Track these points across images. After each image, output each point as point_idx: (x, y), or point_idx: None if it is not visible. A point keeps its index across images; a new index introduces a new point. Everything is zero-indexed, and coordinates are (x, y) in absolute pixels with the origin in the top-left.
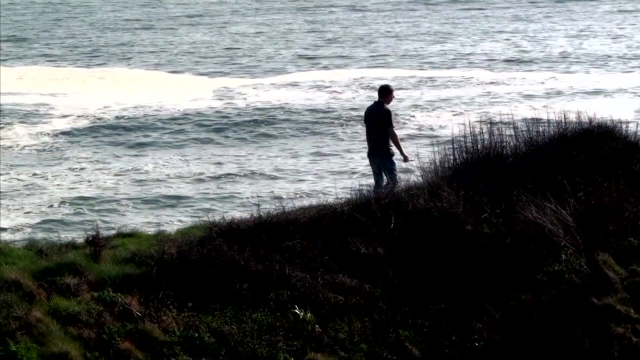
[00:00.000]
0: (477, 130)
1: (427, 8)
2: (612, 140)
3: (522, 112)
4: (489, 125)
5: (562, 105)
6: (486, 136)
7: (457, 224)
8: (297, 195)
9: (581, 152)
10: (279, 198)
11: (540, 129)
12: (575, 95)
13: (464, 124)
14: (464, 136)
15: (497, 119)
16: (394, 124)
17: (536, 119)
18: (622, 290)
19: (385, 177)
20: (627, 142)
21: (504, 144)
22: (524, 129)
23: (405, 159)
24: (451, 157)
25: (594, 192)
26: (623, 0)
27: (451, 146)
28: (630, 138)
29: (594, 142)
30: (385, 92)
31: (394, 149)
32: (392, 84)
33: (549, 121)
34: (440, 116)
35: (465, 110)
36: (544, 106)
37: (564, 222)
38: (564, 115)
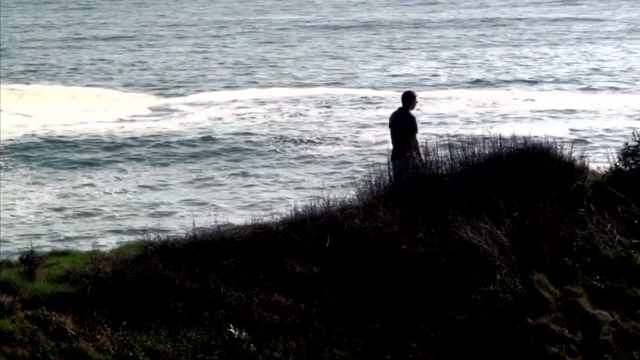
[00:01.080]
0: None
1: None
2: (547, 160)
3: (458, 132)
4: (424, 145)
5: (498, 126)
6: (422, 156)
7: (392, 244)
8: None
9: (516, 172)
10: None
11: (476, 149)
12: (510, 116)
13: None
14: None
15: (433, 139)
16: (418, 130)
17: (472, 139)
18: (557, 310)
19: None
20: (562, 163)
21: (440, 164)
22: (459, 149)
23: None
24: (387, 176)
25: (529, 212)
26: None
27: (387, 165)
28: (565, 158)
29: (529, 162)
30: (409, 98)
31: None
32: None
33: (484, 141)
34: (377, 135)
35: None
36: (482, 127)
37: (499, 242)
38: (500, 136)
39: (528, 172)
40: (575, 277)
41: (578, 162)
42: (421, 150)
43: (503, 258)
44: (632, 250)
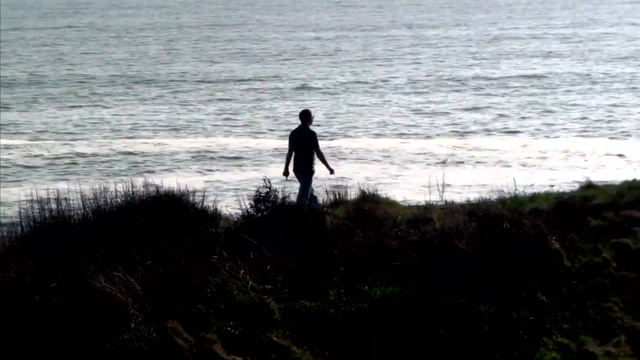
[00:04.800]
0: (45, 198)
1: None
2: (180, 207)
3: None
4: (56, 194)
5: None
6: (53, 205)
7: (26, 294)
8: None
9: (149, 220)
10: None
11: (109, 198)
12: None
13: (30, 194)
14: (31, 205)
15: (65, 188)
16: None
17: (105, 189)
18: (191, 358)
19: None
20: (196, 210)
21: (72, 212)
22: (91, 198)
23: (332, 172)
24: (19, 226)
25: (163, 259)
26: None
27: (18, 215)
28: (198, 205)
29: (162, 210)
30: (307, 116)
31: (315, 167)
32: None
33: (116, 191)
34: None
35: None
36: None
37: (133, 290)
38: (132, 184)
39: (161, 219)
40: (210, 323)
41: (211, 209)
42: None
43: (137, 306)
44: (265, 296)
